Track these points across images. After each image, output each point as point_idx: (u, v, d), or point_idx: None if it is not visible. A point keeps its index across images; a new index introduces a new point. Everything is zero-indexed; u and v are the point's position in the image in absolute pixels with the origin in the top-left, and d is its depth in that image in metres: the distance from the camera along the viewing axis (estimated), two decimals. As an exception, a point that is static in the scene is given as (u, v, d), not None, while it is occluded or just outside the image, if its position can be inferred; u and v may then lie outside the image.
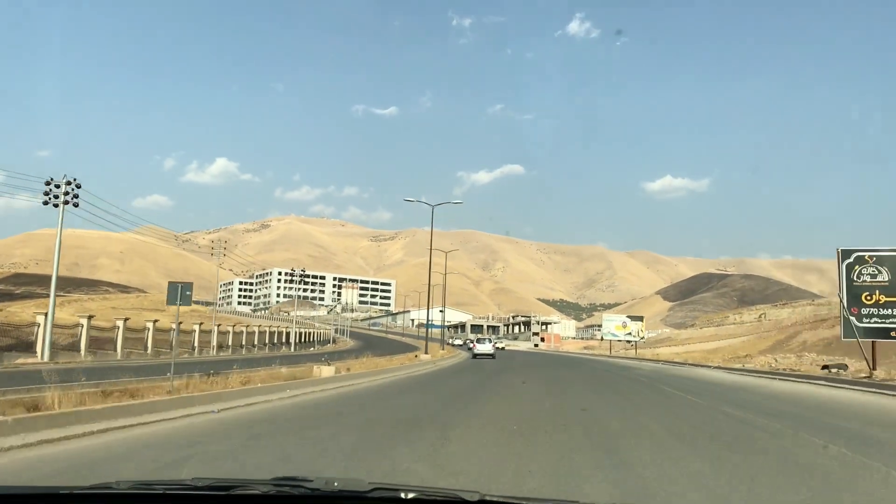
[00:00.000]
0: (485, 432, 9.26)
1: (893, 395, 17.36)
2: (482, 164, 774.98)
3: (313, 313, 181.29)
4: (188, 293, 14.99)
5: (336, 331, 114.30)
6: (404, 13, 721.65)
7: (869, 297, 24.84)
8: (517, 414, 11.42)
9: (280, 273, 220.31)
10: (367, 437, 8.59)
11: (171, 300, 15.00)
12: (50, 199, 31.40)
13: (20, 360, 30.32)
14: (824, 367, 28.67)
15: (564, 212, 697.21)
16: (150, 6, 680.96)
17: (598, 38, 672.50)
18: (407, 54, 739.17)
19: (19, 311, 48.29)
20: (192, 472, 5.37)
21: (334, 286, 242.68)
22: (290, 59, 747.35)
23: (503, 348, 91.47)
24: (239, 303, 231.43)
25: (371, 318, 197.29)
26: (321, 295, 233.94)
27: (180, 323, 45.96)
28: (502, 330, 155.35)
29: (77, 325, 37.86)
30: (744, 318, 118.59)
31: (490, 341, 60.57)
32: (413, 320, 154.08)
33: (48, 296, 34.01)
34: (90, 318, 39.01)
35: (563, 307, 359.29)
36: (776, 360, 42.64)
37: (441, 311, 79.85)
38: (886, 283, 24.80)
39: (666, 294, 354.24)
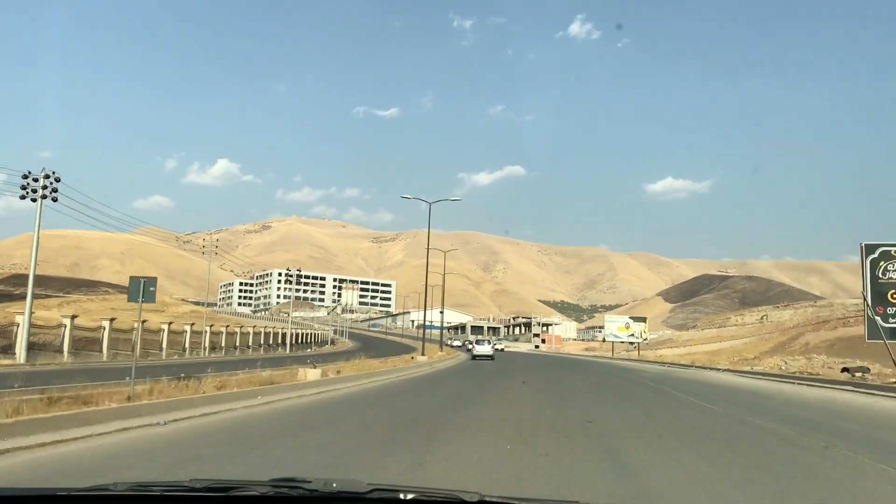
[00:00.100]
0: (476, 450, 7.83)
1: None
2: (483, 165, 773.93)
3: (313, 314, 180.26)
4: (152, 289, 13.58)
5: (335, 332, 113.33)
6: (405, 14, 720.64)
7: (896, 296, 23.21)
8: (513, 428, 9.91)
9: (280, 274, 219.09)
10: (328, 460, 7.10)
11: (132, 297, 13.60)
12: (28, 193, 29.96)
13: (-5, 362, 28.93)
14: (844, 369, 27.11)
15: (565, 213, 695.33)
16: (152, 7, 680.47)
17: (599, 39, 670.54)
18: (408, 55, 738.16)
19: (18, 312, 47.15)
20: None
21: (334, 287, 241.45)
22: (291, 61, 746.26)
23: (502, 349, 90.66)
24: (239, 304, 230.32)
25: (371, 319, 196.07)
26: (321, 296, 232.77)
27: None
28: (503, 331, 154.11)
29: (60, 325, 36.46)
30: (745, 320, 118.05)
31: (489, 342, 59.63)
32: (413, 321, 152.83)
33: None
34: (73, 317, 37.62)
35: (564, 309, 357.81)
36: (785, 363, 41.22)
37: (441, 312, 78.54)
38: (916, 280, 23.17)
39: (667, 295, 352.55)
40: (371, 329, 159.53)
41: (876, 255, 23.37)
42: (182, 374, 16.38)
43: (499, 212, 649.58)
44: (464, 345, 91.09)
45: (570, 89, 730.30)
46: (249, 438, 8.47)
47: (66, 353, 35.66)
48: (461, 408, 13.71)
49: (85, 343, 38.86)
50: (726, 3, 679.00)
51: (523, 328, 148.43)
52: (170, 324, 47.95)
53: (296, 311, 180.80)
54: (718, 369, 35.99)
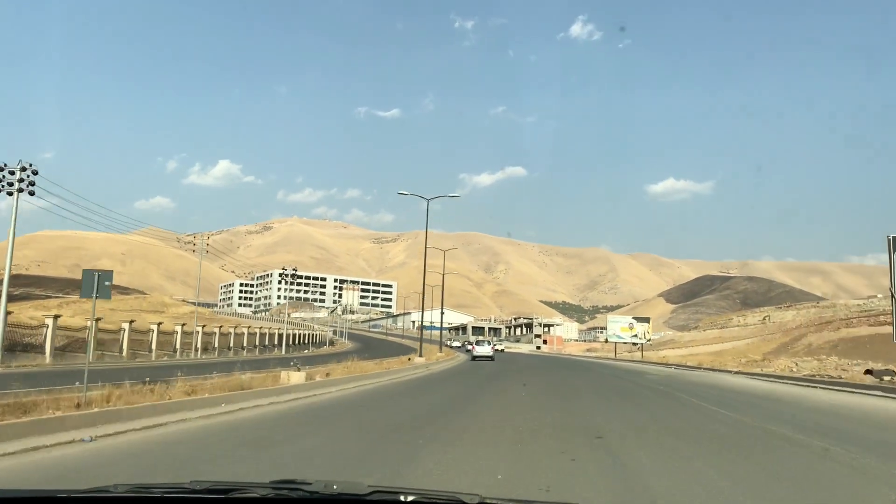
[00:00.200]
0: (460, 476, 6.33)
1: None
2: (484, 166, 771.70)
3: (314, 315, 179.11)
4: (107, 283, 12.10)
5: (335, 332, 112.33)
6: (406, 15, 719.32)
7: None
8: (507, 448, 8.37)
9: (280, 275, 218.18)
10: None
11: (85, 292, 12.13)
12: (3, 185, 28.50)
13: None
14: (867, 372, 25.49)
15: (566, 214, 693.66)
16: (154, 8, 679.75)
17: (601, 40, 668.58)
18: (409, 56, 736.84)
19: (17, 313, 46.01)
20: None
21: (335, 288, 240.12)
22: (292, 62, 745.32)
23: (502, 350, 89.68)
24: (240, 305, 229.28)
25: (371, 320, 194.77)
26: (322, 297, 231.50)
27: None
28: (504, 332, 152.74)
29: (42, 325, 35.02)
30: (748, 321, 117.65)
31: (489, 343, 58.75)
32: (413, 322, 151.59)
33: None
34: (56, 317, 36.15)
35: (566, 309, 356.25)
36: (796, 365, 39.75)
37: (441, 312, 77.20)
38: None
39: (668, 296, 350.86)
40: (371, 330, 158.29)
41: (905, 248, 21.82)
42: (147, 378, 14.93)
43: (500, 213, 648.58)
44: (463, 345, 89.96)
45: (571, 90, 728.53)
46: (183, 463, 6.82)
47: (48, 354, 34.23)
48: (454, 417, 12.24)
49: (71, 344, 37.47)
50: (728, 3, 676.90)
51: (525, 329, 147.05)
52: (159, 324, 46.55)
53: (297, 311, 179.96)
54: (730, 371, 34.41)
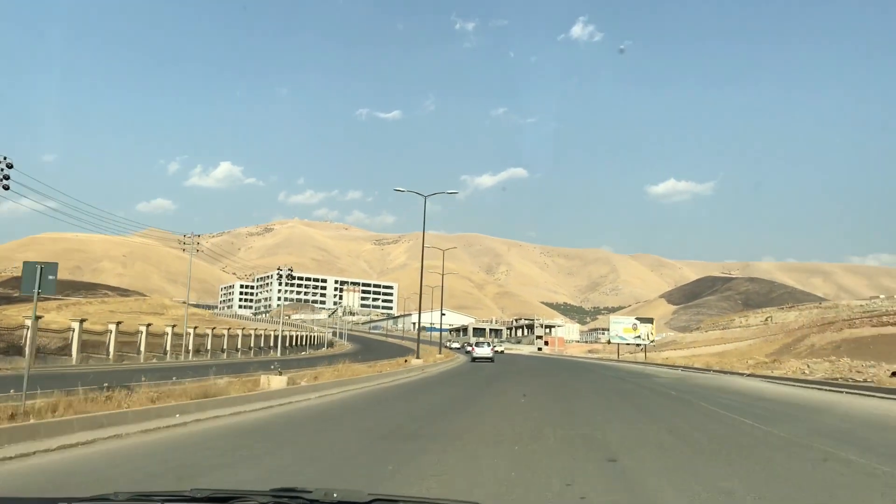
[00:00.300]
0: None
1: None
2: (485, 167, 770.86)
3: (314, 317, 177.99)
4: (51, 277, 10.63)
5: (334, 334, 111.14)
6: (407, 17, 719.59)
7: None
8: (492, 473, 6.80)
9: (277, 275, 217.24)
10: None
11: (26, 287, 10.67)
12: (-26, 179, 27.11)
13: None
14: (894, 374, 23.97)
15: (568, 215, 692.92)
16: (154, 10, 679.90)
17: (601, 41, 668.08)
18: (410, 58, 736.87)
19: (15, 315, 44.95)
20: None
21: (336, 289, 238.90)
22: (293, 64, 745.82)
23: (502, 351, 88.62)
24: (240, 306, 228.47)
25: (372, 321, 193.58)
26: (322, 298, 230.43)
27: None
28: (505, 333, 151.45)
29: (22, 325, 33.58)
30: (749, 322, 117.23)
31: (489, 345, 57.82)
32: (414, 324, 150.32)
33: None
34: (38, 318, 34.65)
35: (567, 311, 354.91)
36: (808, 367, 38.21)
37: (441, 313, 75.89)
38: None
39: (670, 297, 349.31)
40: (372, 331, 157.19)
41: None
42: (106, 384, 13.47)
43: (501, 214, 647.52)
44: (462, 347, 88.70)
45: (572, 91, 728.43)
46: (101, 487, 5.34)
47: (27, 357, 32.71)
48: (448, 423, 10.78)
49: (62, 347, 36.23)
50: (729, 6, 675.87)
51: (526, 330, 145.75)
52: (148, 325, 45.11)
53: (297, 313, 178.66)
54: (741, 374, 32.89)
